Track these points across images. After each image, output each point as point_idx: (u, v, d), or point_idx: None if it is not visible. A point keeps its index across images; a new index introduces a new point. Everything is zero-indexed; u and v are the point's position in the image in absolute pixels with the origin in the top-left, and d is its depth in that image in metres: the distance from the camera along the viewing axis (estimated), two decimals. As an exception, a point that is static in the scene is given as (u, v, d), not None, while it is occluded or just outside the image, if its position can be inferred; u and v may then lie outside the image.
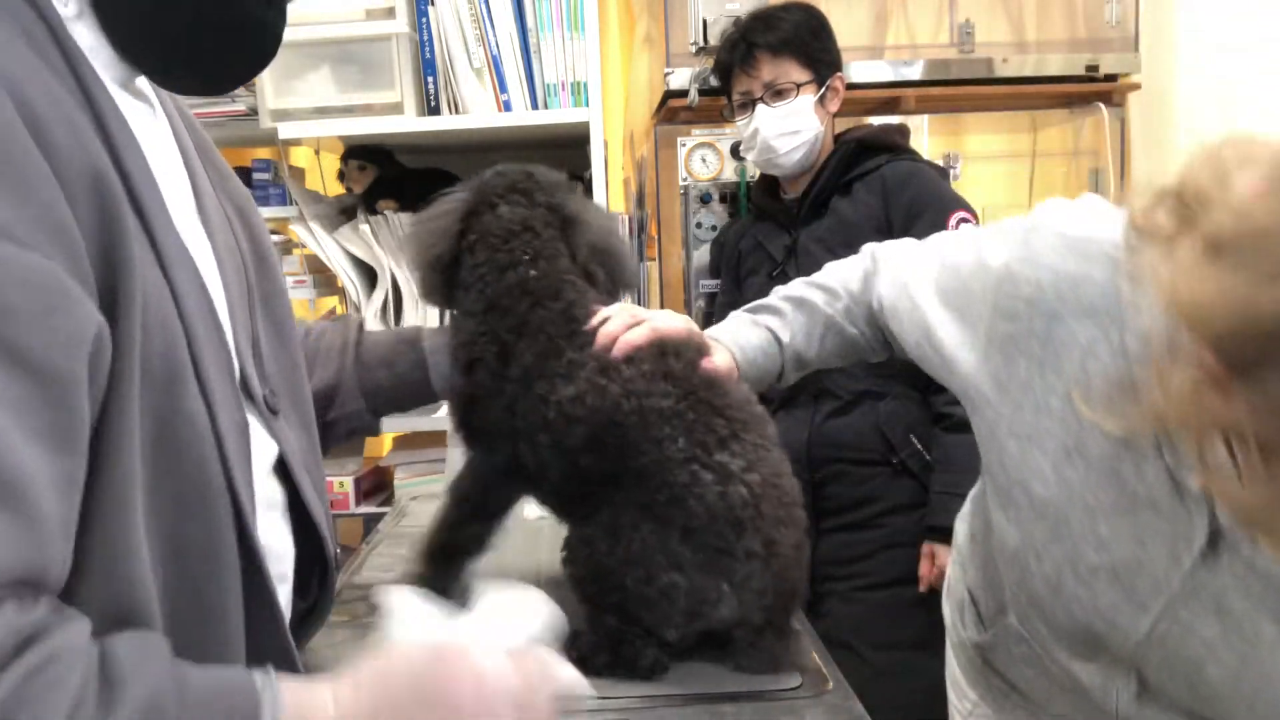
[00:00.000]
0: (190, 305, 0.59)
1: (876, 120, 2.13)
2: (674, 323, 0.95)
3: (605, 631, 0.86)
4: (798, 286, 1.06)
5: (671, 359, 0.89)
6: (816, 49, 1.64)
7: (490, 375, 0.93)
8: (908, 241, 1.00)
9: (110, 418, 0.53)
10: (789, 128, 1.63)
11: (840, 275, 1.04)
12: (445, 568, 0.99)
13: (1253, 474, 0.54)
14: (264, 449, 0.68)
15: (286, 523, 0.71)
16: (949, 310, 0.82)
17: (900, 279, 0.92)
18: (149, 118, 0.67)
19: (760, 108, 1.64)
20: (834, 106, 1.68)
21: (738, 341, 1.01)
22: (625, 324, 0.91)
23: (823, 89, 1.65)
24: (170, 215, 0.61)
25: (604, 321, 0.92)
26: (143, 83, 0.67)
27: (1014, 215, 0.80)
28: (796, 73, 1.63)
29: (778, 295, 1.06)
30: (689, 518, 0.83)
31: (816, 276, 1.06)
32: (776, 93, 1.63)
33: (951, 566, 1.05)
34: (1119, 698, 0.77)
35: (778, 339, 1.02)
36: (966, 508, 1.04)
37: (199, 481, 0.58)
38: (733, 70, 1.67)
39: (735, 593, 0.84)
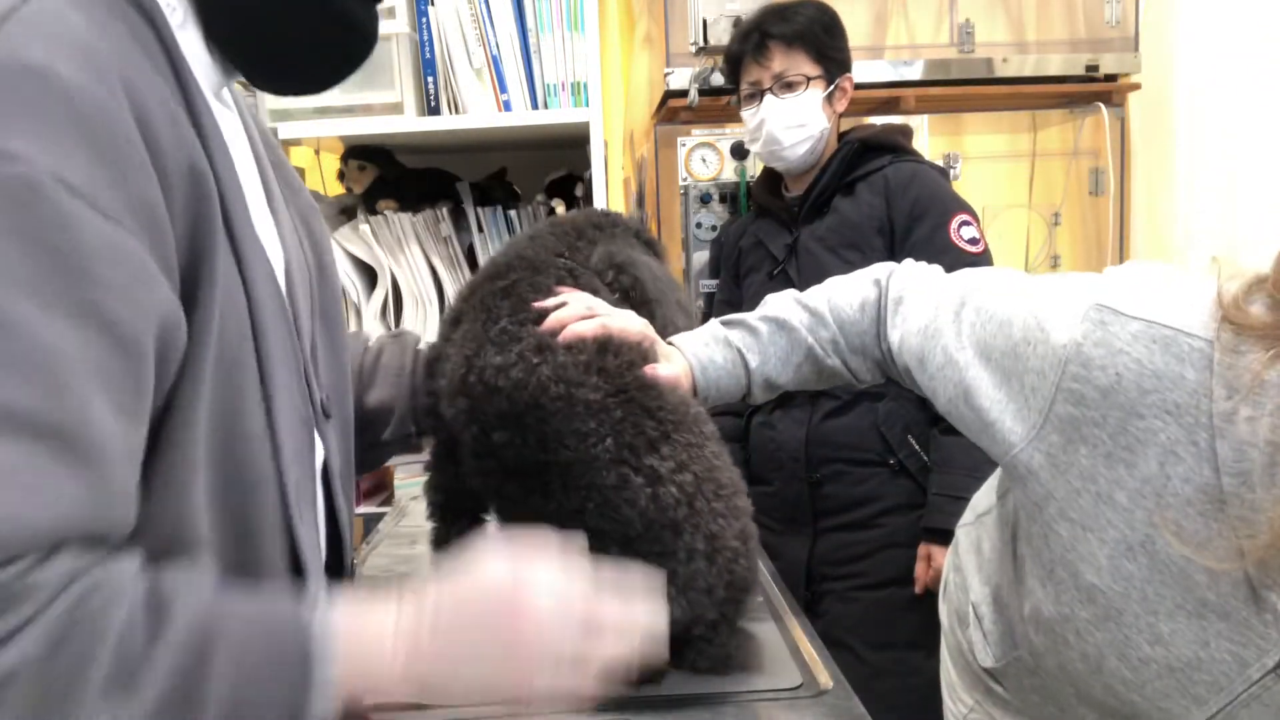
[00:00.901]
0: (264, 303, 0.61)
1: (877, 120, 2.13)
2: (630, 324, 0.91)
3: None
4: (784, 304, 1.00)
5: (610, 356, 0.86)
6: (829, 45, 1.64)
7: (443, 340, 0.94)
8: (922, 270, 0.95)
9: (182, 400, 0.55)
10: (795, 120, 1.63)
11: (834, 299, 0.98)
12: None
13: None
14: (314, 452, 0.70)
15: (319, 526, 0.72)
16: (993, 372, 0.76)
17: (928, 325, 0.85)
18: (235, 125, 0.70)
19: (768, 98, 1.64)
20: (841, 106, 1.68)
21: (699, 358, 0.97)
22: (578, 314, 0.88)
23: (831, 87, 1.65)
24: (251, 218, 0.63)
25: (558, 306, 0.89)
26: (226, 94, 0.70)
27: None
28: (807, 66, 1.63)
29: (759, 313, 1.01)
30: (624, 526, 0.81)
31: (808, 295, 1.00)
32: (786, 84, 1.64)
33: (950, 571, 1.04)
34: None
35: (746, 364, 0.98)
36: (968, 517, 1.02)
37: (251, 472, 0.60)
38: (744, 59, 1.67)
39: (682, 594, 0.82)
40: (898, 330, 0.91)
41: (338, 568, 0.76)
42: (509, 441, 0.84)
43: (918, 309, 0.89)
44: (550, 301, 0.90)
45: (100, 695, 0.45)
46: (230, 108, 0.70)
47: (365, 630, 0.54)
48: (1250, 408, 0.58)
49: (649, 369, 0.88)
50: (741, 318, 1.02)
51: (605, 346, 0.87)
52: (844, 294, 0.98)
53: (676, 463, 0.83)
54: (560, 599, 0.57)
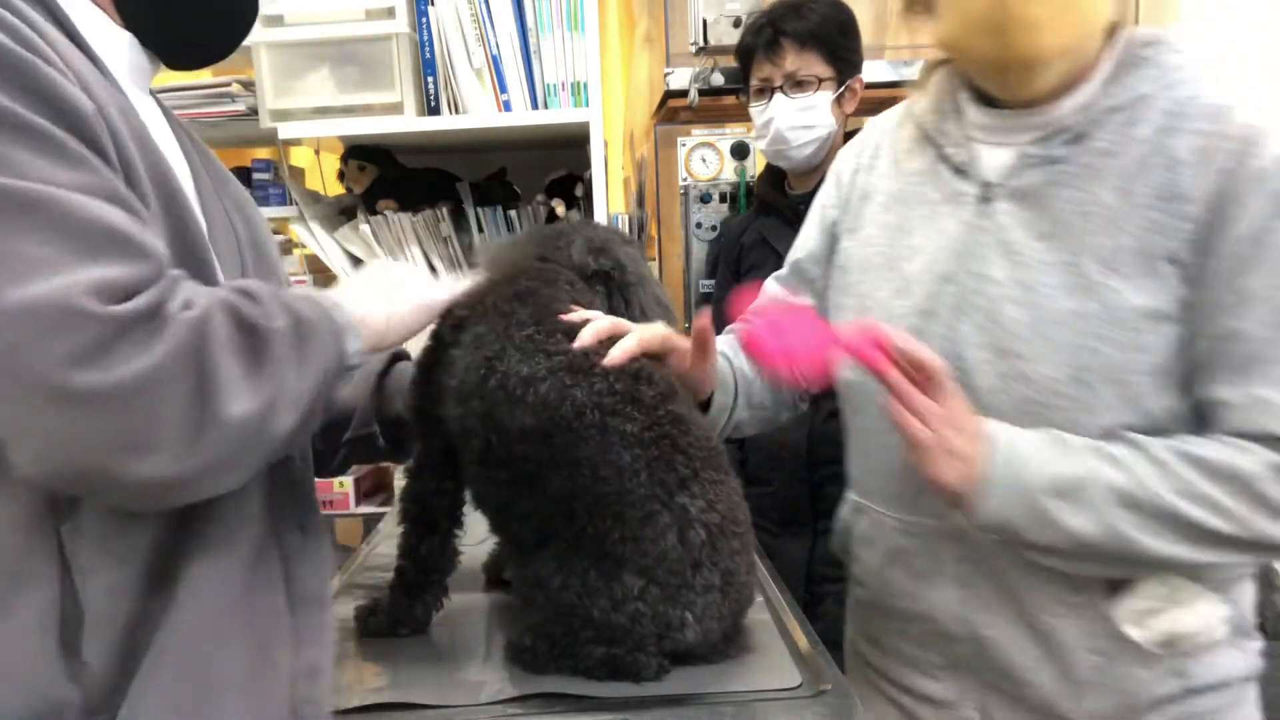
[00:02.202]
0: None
1: (876, 120, 2.13)
2: (652, 331, 0.91)
3: (596, 661, 0.84)
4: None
5: (645, 386, 0.85)
6: (842, 46, 1.64)
7: (441, 345, 0.91)
8: None
9: None
10: (804, 121, 1.63)
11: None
12: (418, 595, 0.97)
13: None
14: None
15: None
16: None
17: None
18: (154, 110, 0.78)
19: (778, 96, 1.63)
20: (850, 108, 1.68)
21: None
22: (609, 329, 0.87)
23: (841, 88, 1.65)
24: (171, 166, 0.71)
25: (584, 322, 0.88)
26: (148, 97, 0.79)
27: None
28: (819, 67, 1.63)
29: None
30: (643, 557, 0.81)
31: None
32: (797, 84, 1.63)
33: None
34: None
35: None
36: None
37: None
38: (755, 55, 1.67)
39: (698, 622, 0.83)
40: None
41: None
42: (531, 456, 0.83)
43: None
44: (576, 316, 0.88)
45: (263, 319, 0.63)
46: (150, 99, 0.80)
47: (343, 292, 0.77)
48: None
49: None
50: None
51: (639, 375, 0.85)
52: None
53: (705, 501, 0.83)
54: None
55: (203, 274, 0.68)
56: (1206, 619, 0.82)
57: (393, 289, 0.82)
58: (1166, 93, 0.82)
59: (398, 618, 0.96)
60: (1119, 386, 0.79)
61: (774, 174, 1.80)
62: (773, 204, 1.77)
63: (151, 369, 0.55)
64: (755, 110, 1.69)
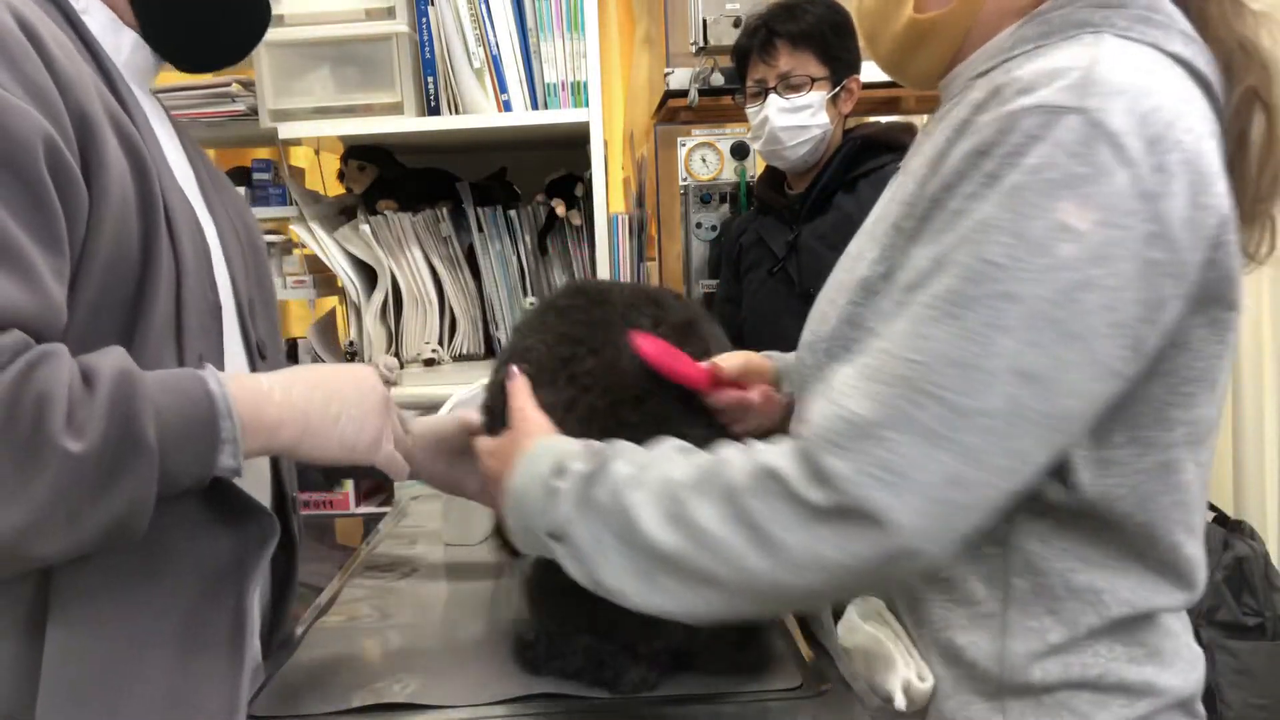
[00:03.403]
0: (187, 254, 0.70)
1: (880, 119, 2.13)
2: (732, 360, 0.86)
3: (582, 649, 0.82)
4: None
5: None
6: (836, 46, 1.64)
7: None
8: None
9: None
10: (798, 121, 1.63)
11: None
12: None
13: None
14: None
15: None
16: None
17: None
18: (159, 113, 0.78)
19: (772, 97, 1.64)
20: (847, 107, 1.68)
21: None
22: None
23: (837, 88, 1.65)
24: (175, 175, 0.71)
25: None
26: (156, 102, 0.79)
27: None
28: (813, 67, 1.63)
29: None
30: None
31: None
32: (791, 85, 1.63)
33: None
34: None
35: None
36: None
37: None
38: (750, 56, 1.67)
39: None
40: None
41: (280, 499, 0.80)
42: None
43: None
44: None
45: (60, 436, 0.55)
46: (151, 99, 0.79)
47: (248, 383, 0.68)
48: None
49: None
50: None
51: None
52: None
53: None
54: (375, 387, 0.76)
55: (203, 286, 0.68)
56: (882, 677, 0.71)
57: (346, 407, 0.73)
58: (1000, 71, 0.67)
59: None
60: (831, 357, 0.71)
61: (773, 174, 1.80)
62: (771, 204, 1.77)
63: None
64: (751, 111, 1.69)
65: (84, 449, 0.56)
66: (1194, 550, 0.68)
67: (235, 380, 0.66)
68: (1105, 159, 0.56)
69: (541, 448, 0.71)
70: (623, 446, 0.68)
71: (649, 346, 0.79)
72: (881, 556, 0.56)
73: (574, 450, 0.69)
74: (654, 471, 0.65)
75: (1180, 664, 0.70)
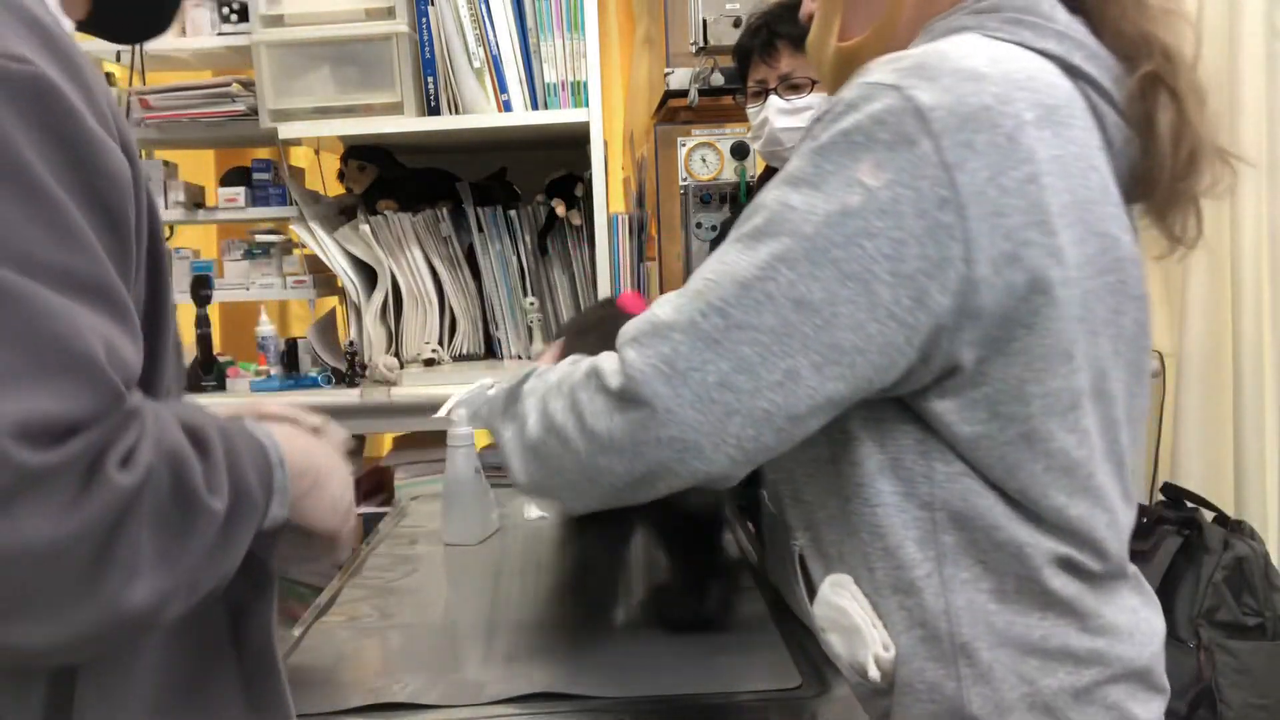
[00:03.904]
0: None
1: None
2: None
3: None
4: None
5: None
6: None
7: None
8: None
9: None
10: (799, 122, 1.62)
11: None
12: None
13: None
14: None
15: None
16: None
17: None
18: None
19: (773, 98, 1.63)
20: None
21: None
22: None
23: None
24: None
25: None
26: None
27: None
28: (814, 69, 1.63)
29: None
30: None
31: None
32: (791, 86, 1.63)
33: None
34: None
35: None
36: None
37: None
38: (751, 56, 1.67)
39: None
40: None
41: None
42: None
43: None
44: None
45: (206, 495, 0.52)
46: None
47: (274, 428, 0.65)
48: None
49: None
50: None
51: None
52: None
53: None
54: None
55: (160, 298, 0.62)
56: (857, 652, 0.74)
57: (333, 466, 0.71)
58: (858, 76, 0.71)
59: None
60: None
61: (772, 174, 1.80)
62: (771, 204, 1.77)
63: (54, 539, 0.45)
64: (751, 111, 1.69)
65: (224, 507, 0.53)
66: (1085, 511, 0.71)
67: (274, 427, 0.64)
68: (910, 129, 0.63)
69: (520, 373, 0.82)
70: (546, 368, 0.78)
71: (632, 303, 0.94)
72: (660, 442, 0.65)
73: (520, 374, 0.81)
74: (545, 379, 0.75)
75: (1126, 633, 0.73)
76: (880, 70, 0.67)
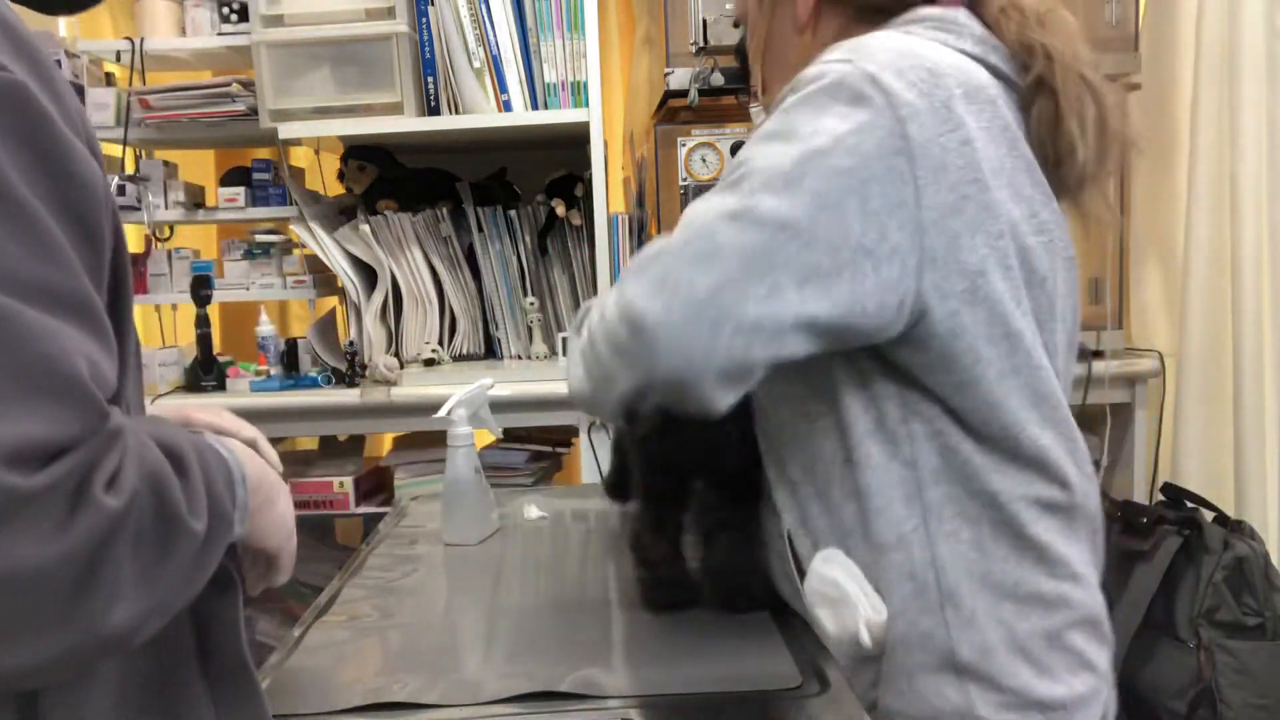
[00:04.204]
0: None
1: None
2: None
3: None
4: None
5: None
6: None
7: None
8: None
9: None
10: None
11: None
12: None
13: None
14: None
15: None
16: None
17: None
18: None
19: None
20: None
21: None
22: None
23: None
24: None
25: None
26: None
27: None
28: None
29: None
30: None
31: None
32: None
33: None
34: None
35: None
36: None
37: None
38: None
39: None
40: None
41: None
42: None
43: None
44: None
45: (188, 517, 0.51)
46: None
47: (232, 444, 0.64)
48: None
49: None
50: None
51: None
52: None
53: None
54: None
55: (122, 304, 0.60)
56: (847, 621, 0.80)
57: (280, 490, 0.71)
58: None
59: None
60: None
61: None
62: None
63: (41, 563, 0.44)
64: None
65: (203, 528, 0.52)
66: (1055, 440, 0.79)
67: (229, 442, 0.64)
68: (866, 89, 0.72)
69: None
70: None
71: None
72: (656, 353, 0.71)
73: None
74: (600, 298, 0.84)
75: (1085, 580, 0.81)
76: (830, 53, 0.77)
